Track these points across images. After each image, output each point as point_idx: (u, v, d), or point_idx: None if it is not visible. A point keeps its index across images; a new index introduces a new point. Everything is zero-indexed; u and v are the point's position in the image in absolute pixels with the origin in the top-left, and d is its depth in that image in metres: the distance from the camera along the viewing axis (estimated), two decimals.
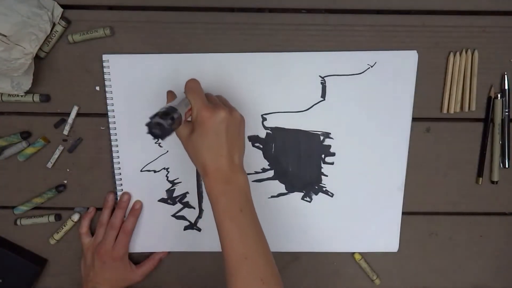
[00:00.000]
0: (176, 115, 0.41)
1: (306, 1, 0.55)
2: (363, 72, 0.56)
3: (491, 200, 0.62)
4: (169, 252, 0.63)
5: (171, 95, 0.51)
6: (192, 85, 0.47)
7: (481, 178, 0.61)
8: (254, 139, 0.59)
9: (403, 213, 0.62)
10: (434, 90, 0.58)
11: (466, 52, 0.56)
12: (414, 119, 0.58)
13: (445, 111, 0.58)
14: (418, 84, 0.57)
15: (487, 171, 0.61)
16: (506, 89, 0.58)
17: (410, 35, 0.56)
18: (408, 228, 0.63)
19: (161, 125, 0.39)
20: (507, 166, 0.60)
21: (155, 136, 0.40)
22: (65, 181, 0.61)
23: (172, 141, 0.58)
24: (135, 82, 0.56)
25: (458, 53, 0.56)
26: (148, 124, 0.40)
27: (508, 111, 0.59)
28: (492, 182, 0.61)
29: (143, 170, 0.59)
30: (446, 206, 0.62)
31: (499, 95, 0.58)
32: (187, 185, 0.60)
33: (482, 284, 0.66)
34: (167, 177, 0.60)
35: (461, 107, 0.58)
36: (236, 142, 0.47)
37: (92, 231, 0.61)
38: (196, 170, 0.59)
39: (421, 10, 0.56)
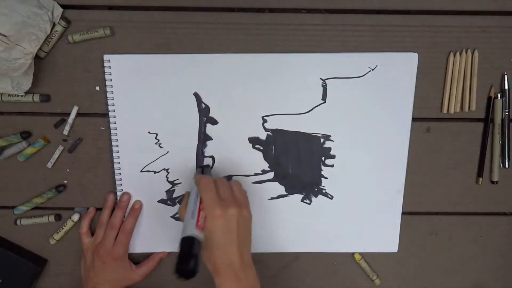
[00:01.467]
0: (198, 245, 0.42)
1: (306, 1, 0.55)
2: (364, 75, 0.56)
3: (491, 200, 0.62)
4: (169, 252, 0.63)
5: (187, 195, 0.52)
6: (204, 184, 0.48)
7: (481, 178, 0.61)
8: (254, 141, 0.59)
9: (403, 213, 0.62)
10: (434, 90, 0.58)
11: (466, 52, 0.56)
12: (414, 119, 0.58)
13: (445, 111, 0.58)
14: (418, 84, 0.57)
15: (487, 171, 0.61)
16: (506, 89, 0.58)
17: (410, 35, 0.56)
18: (408, 228, 0.63)
19: (193, 271, 0.41)
20: (507, 166, 0.60)
21: (187, 278, 0.41)
22: (65, 181, 0.61)
23: (172, 142, 0.58)
24: (135, 82, 0.56)
25: (458, 53, 0.56)
26: (182, 275, 0.41)
27: (508, 111, 0.59)
28: (492, 182, 0.61)
29: (143, 170, 0.59)
30: (446, 206, 0.62)
31: (499, 95, 0.58)
32: (187, 186, 0.60)
33: (482, 284, 0.66)
34: (167, 178, 0.60)
35: (461, 107, 0.58)
36: (245, 239, 0.47)
37: (92, 231, 0.61)
38: (196, 170, 0.59)
39: (421, 10, 0.56)
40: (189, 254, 0.41)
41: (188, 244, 0.42)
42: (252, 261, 0.48)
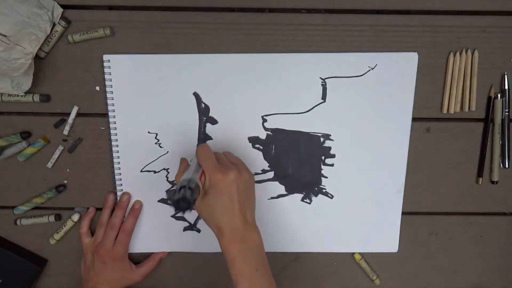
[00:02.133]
0: (194, 185, 0.43)
1: (306, 1, 0.55)
2: (363, 74, 0.56)
3: (491, 200, 0.62)
4: (169, 252, 0.63)
5: (184, 162, 0.53)
6: (203, 151, 0.49)
7: (481, 178, 0.61)
8: (254, 140, 0.59)
9: (403, 213, 0.62)
10: (434, 90, 0.58)
11: (466, 52, 0.56)
12: (414, 119, 0.58)
13: (445, 111, 0.58)
14: (418, 84, 0.57)
15: (487, 171, 0.61)
16: (506, 89, 0.58)
17: (410, 35, 0.56)
18: (408, 228, 0.63)
19: (185, 199, 0.41)
20: (507, 166, 0.60)
21: (182, 210, 0.41)
22: (65, 181, 0.61)
23: (172, 141, 0.58)
24: (135, 82, 0.56)
25: (458, 53, 0.56)
26: (173, 201, 0.41)
27: (508, 111, 0.59)
28: (492, 182, 0.61)
29: (143, 170, 0.59)
30: (446, 206, 0.62)
31: (499, 95, 0.58)
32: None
33: (482, 284, 0.66)
34: (167, 178, 0.60)
35: (461, 107, 0.58)
36: (247, 201, 0.49)
37: (92, 231, 0.61)
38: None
39: (421, 10, 0.56)
40: (188, 188, 0.42)
41: (188, 181, 0.43)
42: (255, 221, 0.49)
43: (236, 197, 0.47)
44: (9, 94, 0.56)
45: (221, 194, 0.47)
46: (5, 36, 0.49)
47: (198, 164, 0.49)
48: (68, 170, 0.60)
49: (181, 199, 0.41)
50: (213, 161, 0.48)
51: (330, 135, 0.59)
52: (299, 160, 0.59)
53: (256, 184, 0.59)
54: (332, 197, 0.61)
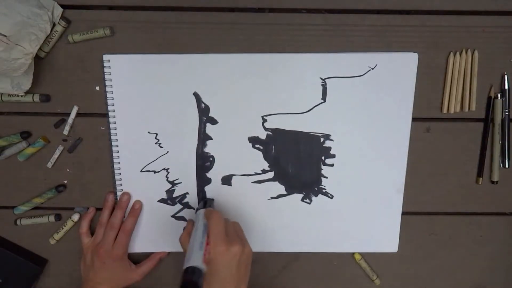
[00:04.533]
0: (201, 281, 0.44)
1: (306, 1, 0.55)
2: (364, 74, 0.56)
3: (491, 200, 0.62)
4: (169, 252, 0.63)
5: (190, 224, 0.55)
6: (215, 219, 0.50)
7: (481, 178, 0.61)
8: (254, 140, 0.59)
9: (403, 213, 0.62)
10: (434, 90, 0.58)
11: (466, 52, 0.56)
12: (414, 119, 0.58)
13: (445, 111, 0.58)
14: (418, 84, 0.57)
15: (487, 171, 0.61)
16: (506, 89, 0.58)
17: (410, 35, 0.56)
18: (408, 228, 0.63)
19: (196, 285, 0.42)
20: (507, 166, 0.60)
21: None
22: (65, 181, 0.61)
23: (172, 141, 0.58)
24: (135, 82, 0.56)
25: (458, 53, 0.56)
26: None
27: (508, 111, 0.59)
28: (492, 182, 0.61)
29: (143, 170, 0.59)
30: (446, 206, 0.62)
31: (499, 95, 0.58)
32: (187, 185, 0.60)
33: (482, 284, 0.66)
34: (167, 178, 0.60)
35: (461, 107, 0.58)
36: (244, 275, 0.50)
37: (92, 231, 0.61)
38: (196, 170, 0.59)
39: (421, 10, 0.56)
40: (193, 284, 0.42)
41: (194, 274, 0.43)
42: None
43: (235, 271, 0.48)
44: (9, 94, 0.56)
45: (222, 267, 0.47)
46: (5, 36, 0.49)
47: (204, 227, 0.50)
48: (68, 170, 0.60)
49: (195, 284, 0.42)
50: (221, 232, 0.49)
51: (330, 135, 0.59)
52: (299, 160, 0.59)
53: (256, 184, 0.60)
54: (332, 197, 0.61)
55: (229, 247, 0.47)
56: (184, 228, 0.56)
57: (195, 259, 0.45)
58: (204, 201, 0.59)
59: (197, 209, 0.57)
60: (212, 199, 0.60)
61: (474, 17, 0.56)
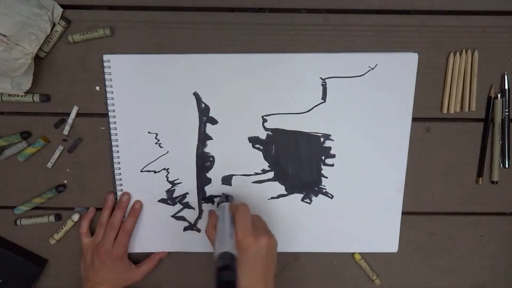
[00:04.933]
0: (236, 263, 0.44)
1: (306, 1, 0.55)
2: (364, 74, 0.56)
3: (491, 200, 0.62)
4: (169, 252, 0.63)
5: (213, 215, 0.55)
6: (242, 212, 0.50)
7: (481, 178, 0.61)
8: (254, 140, 0.59)
9: (403, 213, 0.62)
10: (434, 90, 0.58)
11: (466, 52, 0.56)
12: (414, 119, 0.58)
13: (445, 111, 0.58)
14: (418, 84, 0.57)
15: (487, 171, 0.61)
16: (506, 89, 0.58)
17: (410, 35, 0.56)
18: (408, 228, 0.63)
19: (230, 283, 0.42)
20: (507, 166, 0.60)
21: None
22: (65, 181, 0.61)
23: (172, 141, 0.58)
24: (135, 82, 0.56)
25: (458, 53, 0.56)
26: (219, 284, 0.42)
27: (508, 111, 0.59)
28: (492, 182, 0.61)
29: (143, 170, 0.59)
30: (446, 206, 0.62)
31: (499, 95, 0.58)
32: (187, 185, 0.60)
33: (482, 284, 0.66)
34: (167, 178, 0.60)
35: (461, 107, 0.58)
36: (270, 266, 0.50)
37: (92, 231, 0.61)
38: (196, 170, 0.59)
39: (421, 10, 0.56)
40: (231, 268, 0.43)
41: (229, 259, 0.44)
42: (273, 284, 0.51)
43: (263, 262, 0.49)
44: (9, 94, 0.56)
45: (249, 258, 0.48)
46: (5, 36, 0.49)
47: (231, 219, 0.50)
48: (68, 170, 0.60)
49: (225, 283, 0.41)
50: (249, 224, 0.49)
51: (330, 135, 0.59)
52: (299, 160, 0.59)
53: (256, 184, 0.60)
54: (332, 197, 0.61)
55: (257, 239, 0.48)
56: (207, 222, 0.56)
57: (228, 246, 0.45)
58: (226, 195, 0.59)
59: (219, 203, 0.57)
60: (232, 196, 0.60)
61: (474, 17, 0.56)
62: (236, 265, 0.43)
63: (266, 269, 0.49)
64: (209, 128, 0.58)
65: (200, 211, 0.61)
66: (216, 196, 0.61)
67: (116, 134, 0.58)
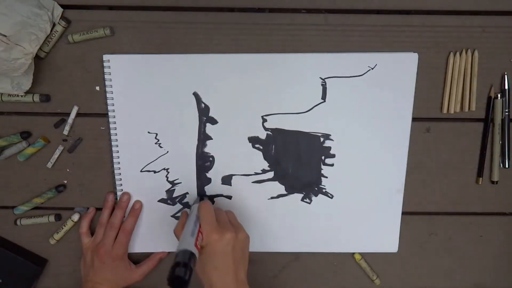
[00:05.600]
0: (193, 261, 0.44)
1: (306, 1, 0.55)
2: (363, 74, 0.56)
3: (491, 200, 0.62)
4: (169, 252, 0.63)
5: (184, 215, 0.56)
6: (204, 209, 0.51)
7: (481, 178, 0.61)
8: (254, 140, 0.59)
9: (403, 213, 0.62)
10: (434, 90, 0.58)
11: (466, 52, 0.56)
12: (414, 119, 0.58)
13: (445, 111, 0.58)
14: (418, 84, 0.57)
15: (487, 171, 0.61)
16: (506, 89, 0.58)
17: (410, 35, 0.56)
18: (408, 228, 0.63)
19: (181, 278, 0.42)
20: (507, 166, 0.60)
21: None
22: (65, 181, 0.61)
23: (172, 141, 0.58)
24: (135, 82, 0.56)
25: (458, 53, 0.56)
26: (174, 283, 0.42)
27: (508, 111, 0.59)
28: (492, 182, 0.61)
29: (143, 170, 0.59)
30: (446, 206, 0.62)
31: (499, 95, 0.58)
32: (187, 185, 0.60)
33: (482, 284, 0.66)
34: (167, 178, 0.60)
35: (461, 107, 0.58)
36: (241, 260, 0.50)
37: (92, 231, 0.61)
38: (196, 170, 0.59)
39: (421, 10, 0.56)
40: (184, 265, 0.42)
41: (184, 256, 0.43)
42: (246, 279, 0.51)
43: (231, 257, 0.49)
44: (9, 94, 0.56)
45: (216, 254, 0.48)
46: (5, 36, 0.49)
47: (196, 218, 0.50)
48: (68, 170, 0.60)
49: (175, 278, 0.42)
50: (212, 221, 0.50)
51: (330, 135, 0.59)
52: (299, 160, 0.59)
53: (256, 184, 0.60)
54: (332, 197, 0.61)
55: (222, 235, 0.48)
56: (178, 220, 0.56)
57: (186, 244, 0.45)
58: (201, 197, 0.59)
59: (192, 204, 0.57)
60: (211, 199, 0.60)
61: (474, 17, 0.56)
62: (192, 263, 0.43)
63: (235, 265, 0.49)
64: (209, 128, 0.58)
65: None
66: (216, 196, 0.61)
67: (116, 134, 0.58)
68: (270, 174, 0.60)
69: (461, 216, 0.63)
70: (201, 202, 0.52)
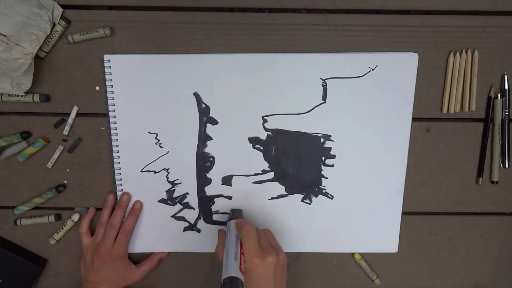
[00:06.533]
0: (241, 281, 0.45)
1: (306, 1, 0.55)
2: (364, 75, 0.56)
3: (491, 200, 0.62)
4: (169, 252, 0.63)
5: (221, 234, 0.57)
6: (247, 232, 0.50)
7: (481, 178, 0.61)
8: (254, 141, 0.59)
9: (403, 213, 0.62)
10: (434, 90, 0.58)
11: (466, 52, 0.56)
12: (414, 119, 0.58)
13: (445, 111, 0.58)
14: (418, 84, 0.57)
15: (487, 171, 0.61)
16: (506, 89, 0.58)
17: (410, 35, 0.56)
18: (408, 228, 0.63)
19: None
20: (507, 166, 0.60)
21: None
22: (65, 181, 0.61)
23: (172, 141, 0.58)
24: (135, 82, 0.56)
25: (458, 53, 0.56)
26: None
27: (508, 111, 0.59)
28: (492, 182, 0.61)
29: (143, 170, 0.59)
30: (446, 206, 0.62)
31: (499, 95, 0.58)
32: (187, 186, 0.60)
33: (482, 284, 0.66)
34: (167, 178, 0.60)
35: (461, 107, 0.58)
36: (281, 283, 0.50)
37: (92, 231, 0.61)
38: (197, 170, 0.59)
39: (421, 10, 0.56)
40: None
41: (232, 283, 0.44)
42: None
43: (271, 280, 0.48)
44: (9, 94, 0.56)
45: (258, 278, 0.48)
46: (5, 36, 0.49)
47: (236, 238, 0.50)
48: (68, 170, 0.60)
49: None
50: (255, 244, 0.49)
51: (331, 136, 0.59)
52: (299, 161, 0.59)
53: (256, 185, 0.60)
54: (332, 197, 0.61)
55: (264, 259, 0.48)
56: (217, 239, 0.57)
57: (232, 270, 0.46)
58: (233, 211, 0.59)
59: (227, 220, 0.57)
60: (240, 210, 0.60)
61: (474, 17, 0.56)
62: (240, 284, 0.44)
63: (276, 286, 0.48)
64: (209, 129, 0.58)
65: (200, 211, 0.61)
66: (216, 197, 0.61)
67: (116, 134, 0.58)
68: (271, 175, 0.60)
69: (461, 216, 0.63)
70: (242, 223, 0.52)
